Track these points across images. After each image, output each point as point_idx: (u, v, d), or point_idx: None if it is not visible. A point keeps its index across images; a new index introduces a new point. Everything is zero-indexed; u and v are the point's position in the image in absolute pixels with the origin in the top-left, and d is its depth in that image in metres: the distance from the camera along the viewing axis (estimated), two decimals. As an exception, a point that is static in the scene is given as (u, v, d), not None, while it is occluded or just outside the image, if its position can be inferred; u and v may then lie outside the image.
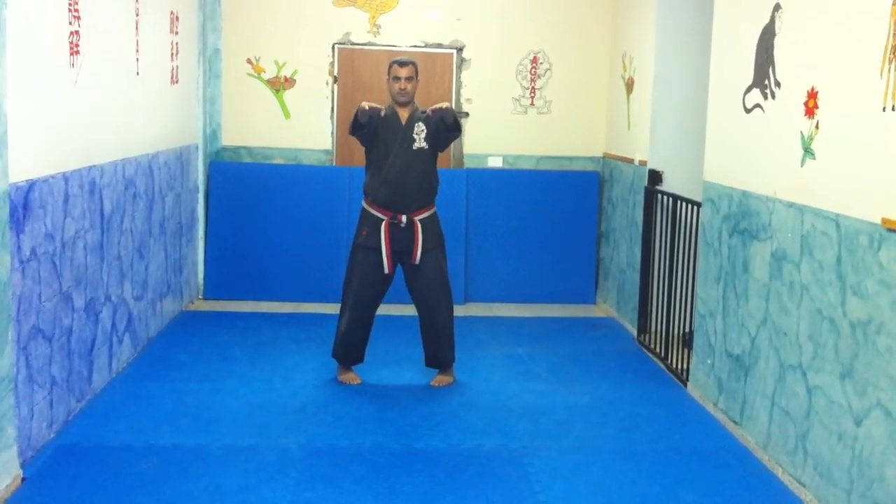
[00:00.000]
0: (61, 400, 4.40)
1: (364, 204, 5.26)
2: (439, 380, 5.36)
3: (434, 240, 5.24)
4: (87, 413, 4.65)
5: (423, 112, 5.22)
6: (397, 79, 5.18)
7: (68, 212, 4.42)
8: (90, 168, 4.74)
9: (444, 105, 5.06)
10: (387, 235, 5.13)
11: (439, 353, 5.36)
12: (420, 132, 5.19)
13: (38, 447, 4.12)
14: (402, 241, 5.16)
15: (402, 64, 5.20)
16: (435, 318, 5.28)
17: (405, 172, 5.16)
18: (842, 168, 3.72)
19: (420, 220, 5.17)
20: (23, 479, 3.83)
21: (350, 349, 5.36)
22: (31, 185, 3.97)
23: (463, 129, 5.35)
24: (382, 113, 5.14)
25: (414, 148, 5.18)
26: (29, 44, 3.94)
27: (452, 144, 7.51)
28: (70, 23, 4.42)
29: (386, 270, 5.16)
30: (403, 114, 5.24)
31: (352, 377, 5.35)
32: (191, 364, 5.59)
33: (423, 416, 4.82)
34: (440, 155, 5.41)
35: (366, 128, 5.08)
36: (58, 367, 4.35)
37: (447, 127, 5.14)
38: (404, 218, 5.14)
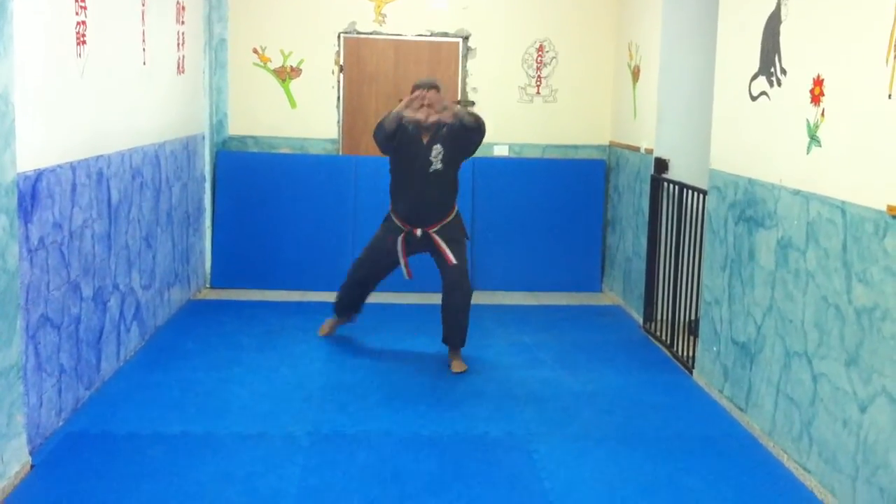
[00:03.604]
0: (70, 388, 4.43)
1: (391, 209, 5.57)
2: (457, 365, 5.43)
3: (456, 234, 5.48)
4: (96, 401, 4.68)
5: (444, 126, 5.38)
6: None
7: (76, 201, 4.45)
8: (97, 158, 4.76)
9: (454, 111, 5.37)
10: (403, 246, 5.44)
11: (457, 330, 5.47)
12: (437, 154, 5.38)
13: (46, 435, 4.15)
14: (417, 246, 5.49)
15: (427, 87, 5.39)
16: (455, 297, 5.41)
17: (422, 195, 5.42)
18: (848, 155, 3.72)
19: (436, 232, 5.40)
20: (32, 467, 3.87)
21: (346, 305, 5.87)
22: (39, 174, 3.99)
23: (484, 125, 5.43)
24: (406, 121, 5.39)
25: (430, 170, 5.39)
26: (36, 35, 3.96)
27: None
28: (77, 13, 4.43)
29: (406, 277, 5.53)
30: (425, 137, 5.41)
31: (329, 326, 5.95)
32: (198, 352, 5.61)
33: (429, 404, 4.84)
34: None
35: (393, 140, 5.37)
36: (66, 355, 4.38)
37: (466, 128, 5.34)
38: (419, 232, 5.41)
